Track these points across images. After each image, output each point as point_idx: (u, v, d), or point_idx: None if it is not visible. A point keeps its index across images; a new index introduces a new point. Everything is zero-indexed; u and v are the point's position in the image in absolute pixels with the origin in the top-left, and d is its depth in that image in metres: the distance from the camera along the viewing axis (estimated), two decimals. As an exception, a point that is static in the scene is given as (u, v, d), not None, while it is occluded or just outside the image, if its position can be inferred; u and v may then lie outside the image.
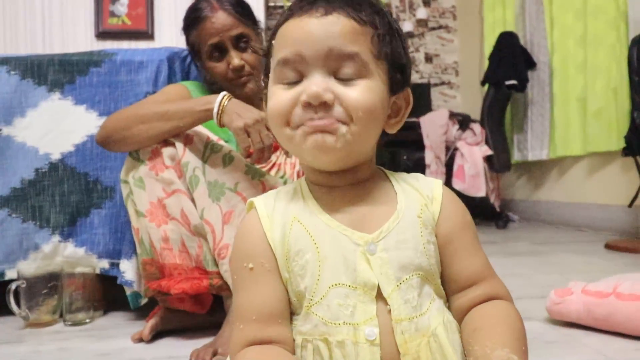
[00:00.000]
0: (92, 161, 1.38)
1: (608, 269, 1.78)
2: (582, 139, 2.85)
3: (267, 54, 0.61)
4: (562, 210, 3.19)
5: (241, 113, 1.06)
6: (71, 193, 1.37)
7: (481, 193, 3.11)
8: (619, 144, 2.39)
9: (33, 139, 1.37)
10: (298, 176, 1.24)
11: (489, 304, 0.57)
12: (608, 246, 2.21)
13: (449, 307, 0.60)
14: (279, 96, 0.55)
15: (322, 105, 0.52)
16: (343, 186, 0.60)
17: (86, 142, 1.38)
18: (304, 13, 0.55)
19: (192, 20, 1.26)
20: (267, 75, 0.61)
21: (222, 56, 1.24)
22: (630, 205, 2.33)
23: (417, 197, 0.60)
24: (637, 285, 1.09)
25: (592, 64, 2.74)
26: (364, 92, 0.54)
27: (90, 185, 1.37)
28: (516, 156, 3.50)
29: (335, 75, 0.54)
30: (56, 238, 1.36)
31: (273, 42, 0.58)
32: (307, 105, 0.53)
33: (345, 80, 0.54)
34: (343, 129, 0.53)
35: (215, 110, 1.07)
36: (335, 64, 0.54)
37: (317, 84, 0.52)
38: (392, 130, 0.62)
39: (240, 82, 1.25)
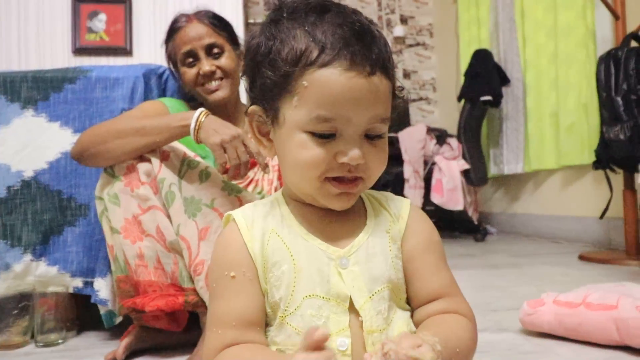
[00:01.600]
0: (66, 178, 1.37)
1: (582, 280, 1.81)
2: (555, 153, 2.91)
3: (286, 82, 0.56)
4: (538, 222, 3.24)
5: (218, 129, 1.07)
6: (44, 211, 1.35)
7: (459, 206, 3.15)
8: (590, 157, 2.44)
9: (5, 156, 1.35)
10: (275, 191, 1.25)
11: (445, 315, 0.58)
12: (582, 257, 2.26)
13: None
14: (313, 150, 0.55)
15: (355, 166, 0.55)
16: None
17: (60, 159, 1.37)
18: (351, 69, 0.52)
19: (170, 31, 1.31)
20: (274, 100, 0.58)
21: (194, 63, 1.27)
22: (601, 217, 2.39)
23: (385, 215, 0.63)
24: (606, 295, 1.12)
25: (564, 81, 2.81)
26: (384, 152, 0.59)
27: (64, 202, 1.36)
28: (492, 170, 3.55)
29: (367, 132, 0.56)
30: (28, 257, 1.33)
31: (303, 82, 0.54)
32: (343, 165, 0.55)
33: (372, 138, 0.57)
34: (361, 186, 0.58)
35: (192, 126, 1.08)
36: (372, 125, 0.56)
37: (358, 147, 0.54)
38: None
39: (210, 89, 1.27)
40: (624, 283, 1.21)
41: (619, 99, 2.10)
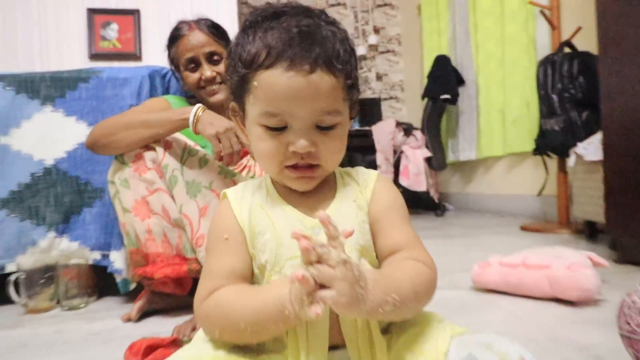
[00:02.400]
0: (82, 166, 1.35)
1: (523, 246, 1.83)
2: (502, 143, 2.93)
3: (242, 81, 0.55)
4: (487, 200, 3.28)
5: (213, 122, 1.06)
6: (64, 194, 1.33)
7: (422, 188, 3.17)
8: (530, 146, 2.45)
9: (28, 147, 1.32)
10: (265, 174, 1.24)
11: (403, 260, 0.56)
12: (523, 228, 2.29)
13: None
14: (267, 142, 0.55)
15: (306, 154, 0.54)
16: None
17: (77, 149, 1.35)
18: (290, 69, 0.50)
19: (173, 38, 1.25)
20: (238, 96, 0.58)
21: (196, 68, 1.23)
22: (539, 194, 2.43)
23: (354, 185, 0.62)
24: (541, 257, 1.14)
25: (509, 82, 2.82)
26: (338, 140, 0.57)
27: (82, 187, 1.34)
28: (450, 157, 3.57)
29: (317, 123, 0.54)
30: (52, 234, 1.32)
31: (254, 82, 0.53)
32: (295, 153, 0.54)
33: (324, 129, 0.55)
34: (319, 171, 0.57)
35: (190, 119, 1.06)
36: (318, 118, 0.54)
37: (305, 138, 0.53)
38: None
39: (210, 91, 1.24)
40: (556, 247, 1.24)
41: (554, 96, 2.12)
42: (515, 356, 0.50)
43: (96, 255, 1.32)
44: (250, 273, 0.59)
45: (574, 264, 1.07)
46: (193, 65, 1.23)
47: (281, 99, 0.52)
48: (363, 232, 0.59)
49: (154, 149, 1.11)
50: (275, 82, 0.51)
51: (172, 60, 1.29)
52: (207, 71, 1.21)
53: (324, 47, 0.52)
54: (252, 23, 0.55)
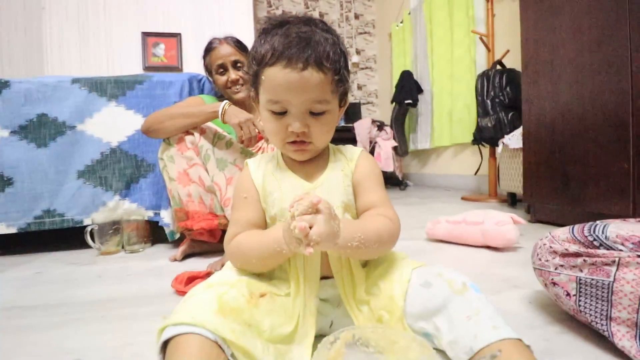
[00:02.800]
0: (139, 147, 1.31)
1: (463, 210, 1.85)
2: (449, 136, 2.91)
3: (255, 77, 0.54)
4: (437, 178, 3.27)
5: (237, 114, 1.03)
6: (126, 168, 1.30)
7: (391, 169, 3.16)
8: (470, 138, 2.45)
9: (98, 132, 1.29)
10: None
11: (375, 215, 0.55)
12: (463, 198, 2.29)
13: None
14: (272, 124, 0.54)
15: (301, 134, 0.53)
16: None
17: (135, 134, 1.31)
18: (287, 67, 0.49)
19: (207, 49, 1.22)
20: (254, 87, 0.56)
21: (224, 72, 1.20)
22: (475, 174, 2.43)
23: (343, 159, 0.61)
24: (477, 216, 1.14)
25: (456, 91, 2.78)
26: (326, 124, 0.55)
27: (139, 162, 1.31)
28: (411, 146, 3.55)
29: (309, 110, 0.52)
30: (117, 197, 1.30)
31: (262, 77, 0.51)
32: (292, 133, 0.53)
33: (316, 114, 0.53)
34: (312, 146, 0.55)
35: (220, 111, 1.03)
36: (310, 105, 0.52)
37: (299, 122, 0.52)
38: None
39: (235, 91, 1.20)
40: (487, 210, 1.23)
41: (488, 101, 2.09)
42: (459, 282, 0.50)
43: (150, 213, 1.30)
44: (263, 222, 0.58)
45: (501, 221, 1.07)
46: (222, 70, 1.19)
47: (280, 90, 0.50)
48: (347, 193, 0.58)
49: (192, 134, 1.08)
50: (276, 76, 0.50)
51: (207, 67, 1.25)
52: (232, 74, 1.18)
53: (316, 50, 0.50)
54: (264, 30, 0.54)
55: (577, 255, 0.53)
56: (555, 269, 0.56)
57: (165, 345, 0.41)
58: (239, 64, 1.19)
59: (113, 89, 1.31)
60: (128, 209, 1.30)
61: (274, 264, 0.53)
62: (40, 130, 1.25)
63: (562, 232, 0.58)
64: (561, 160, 1.31)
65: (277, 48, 0.49)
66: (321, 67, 0.50)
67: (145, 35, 2.77)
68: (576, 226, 0.57)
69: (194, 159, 1.07)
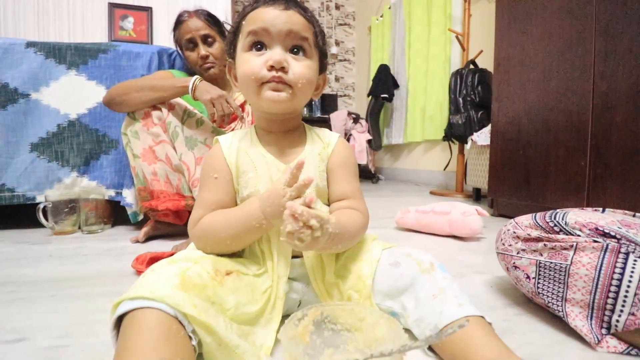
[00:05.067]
0: (101, 121, 1.22)
1: (430, 202, 1.90)
2: (421, 132, 2.95)
3: (236, 31, 0.53)
4: (408, 173, 3.33)
5: (209, 90, 0.98)
6: (85, 143, 1.21)
7: (364, 162, 3.17)
8: (441, 134, 2.50)
9: (55, 103, 1.18)
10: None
11: (347, 209, 0.54)
12: (431, 192, 2.35)
13: None
14: (251, 61, 0.50)
15: (281, 69, 0.49)
16: (278, 132, 0.56)
17: (97, 107, 1.22)
18: (269, 5, 0.50)
19: (177, 23, 1.15)
20: (234, 49, 0.55)
21: (194, 48, 1.13)
22: (444, 169, 2.50)
23: (320, 143, 0.58)
24: (444, 207, 1.16)
25: (430, 89, 2.81)
26: (306, 68, 0.51)
27: (100, 138, 1.22)
28: (385, 141, 3.58)
29: (289, 51, 0.51)
30: (74, 174, 1.20)
31: (242, 22, 0.52)
32: (271, 68, 0.49)
33: (296, 56, 0.51)
34: (289, 90, 0.50)
35: (190, 86, 0.98)
36: (291, 42, 0.50)
37: (279, 54, 0.49)
38: (315, 98, 0.58)
39: (205, 67, 1.14)
40: (454, 202, 1.26)
41: (460, 99, 2.15)
42: (426, 261, 0.50)
43: (111, 192, 1.22)
44: (234, 204, 0.54)
45: (467, 211, 1.10)
46: (191, 45, 1.13)
47: (262, 22, 0.50)
48: (321, 179, 0.56)
49: (159, 109, 1.01)
50: (257, 14, 0.51)
51: (177, 41, 1.17)
52: (202, 50, 1.12)
53: (296, 3, 0.52)
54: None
55: (538, 240, 0.55)
56: (517, 253, 0.57)
57: (120, 320, 0.37)
58: (209, 39, 1.13)
59: (74, 56, 1.20)
60: (86, 186, 1.21)
61: (249, 240, 0.51)
62: (-13, 96, 1.13)
63: (526, 219, 0.59)
64: (525, 157, 1.36)
65: None
66: (302, 13, 0.52)
67: (113, 6, 2.58)
68: (539, 214, 0.59)
69: (161, 136, 1.01)
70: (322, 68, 0.57)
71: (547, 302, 0.54)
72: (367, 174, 3.42)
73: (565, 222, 0.53)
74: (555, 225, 0.54)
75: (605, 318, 0.48)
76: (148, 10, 2.60)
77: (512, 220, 0.63)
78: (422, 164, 3.12)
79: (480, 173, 1.87)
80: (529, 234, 0.56)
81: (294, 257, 0.53)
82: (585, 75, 1.13)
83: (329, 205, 0.58)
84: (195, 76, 0.99)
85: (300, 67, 0.50)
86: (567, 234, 0.53)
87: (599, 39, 1.09)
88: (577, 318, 0.50)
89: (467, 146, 1.99)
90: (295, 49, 0.51)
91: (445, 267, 0.51)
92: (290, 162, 0.55)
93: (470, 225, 1.06)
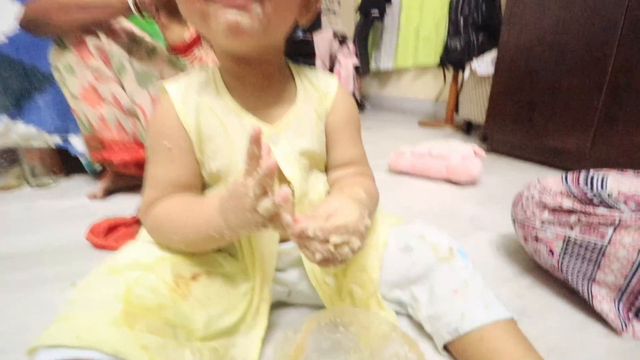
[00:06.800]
0: (26, 50, 0.97)
1: (419, 135, 1.82)
2: (413, 56, 2.72)
3: None
4: (397, 101, 3.17)
5: None
6: (10, 78, 0.97)
7: (350, 89, 2.96)
8: (435, 60, 2.31)
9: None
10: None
11: (358, 177, 0.44)
12: (420, 123, 2.24)
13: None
14: None
15: None
16: (253, 78, 0.39)
17: (18, 34, 0.95)
18: None
19: None
20: None
21: None
22: (436, 100, 2.35)
23: (315, 93, 0.43)
24: (441, 149, 1.07)
25: (426, 5, 2.51)
26: None
27: (28, 71, 0.98)
28: (373, 66, 3.33)
29: None
30: (5, 118, 0.99)
31: None
32: None
33: None
34: (257, 8, 0.31)
35: (130, 1, 0.74)
36: None
37: None
38: (304, 23, 0.38)
39: None
40: (450, 141, 1.17)
41: (461, 18, 1.90)
42: (444, 246, 0.41)
43: (56, 139, 1.03)
44: (198, 181, 0.40)
45: (466, 156, 1.01)
46: None
47: None
48: (320, 143, 0.42)
49: (96, 34, 0.79)
50: None
51: None
52: None
53: None
54: None
55: (570, 212, 0.46)
56: (542, 224, 0.49)
57: None
58: None
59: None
60: (24, 133, 1.01)
61: (213, 249, 0.39)
62: None
63: (555, 183, 0.50)
64: (531, 91, 1.24)
65: None
66: None
67: None
68: (569, 175, 0.50)
69: (104, 71, 0.81)
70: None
71: (570, 280, 0.48)
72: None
73: (608, 192, 0.44)
74: (595, 196, 0.45)
75: (637, 303, 0.42)
76: None
77: (536, 182, 0.53)
78: (411, 91, 2.94)
79: (475, 104, 1.75)
80: (559, 205, 0.47)
81: (281, 241, 0.42)
82: (617, 1, 0.95)
83: (326, 172, 0.46)
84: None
85: None
86: (608, 207, 0.44)
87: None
88: (603, 301, 0.44)
89: (465, 74, 1.82)
90: None
91: (464, 249, 0.42)
92: (278, 122, 0.40)
93: (471, 171, 0.98)
